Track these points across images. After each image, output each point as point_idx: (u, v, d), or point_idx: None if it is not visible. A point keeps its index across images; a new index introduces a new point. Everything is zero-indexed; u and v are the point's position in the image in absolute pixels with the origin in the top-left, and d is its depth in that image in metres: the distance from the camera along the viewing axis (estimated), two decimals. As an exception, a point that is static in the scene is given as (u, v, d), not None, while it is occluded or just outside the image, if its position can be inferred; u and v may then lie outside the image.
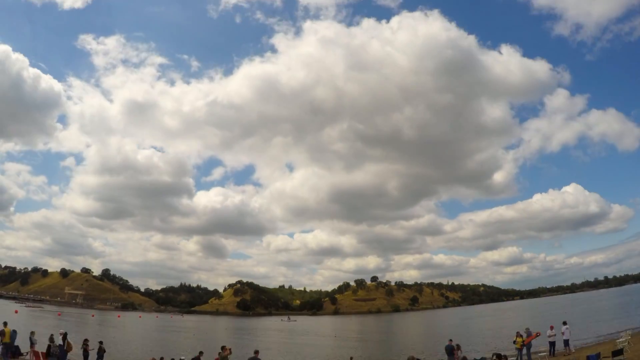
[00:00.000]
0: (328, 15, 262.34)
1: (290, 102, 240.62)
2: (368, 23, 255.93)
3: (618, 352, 15.95)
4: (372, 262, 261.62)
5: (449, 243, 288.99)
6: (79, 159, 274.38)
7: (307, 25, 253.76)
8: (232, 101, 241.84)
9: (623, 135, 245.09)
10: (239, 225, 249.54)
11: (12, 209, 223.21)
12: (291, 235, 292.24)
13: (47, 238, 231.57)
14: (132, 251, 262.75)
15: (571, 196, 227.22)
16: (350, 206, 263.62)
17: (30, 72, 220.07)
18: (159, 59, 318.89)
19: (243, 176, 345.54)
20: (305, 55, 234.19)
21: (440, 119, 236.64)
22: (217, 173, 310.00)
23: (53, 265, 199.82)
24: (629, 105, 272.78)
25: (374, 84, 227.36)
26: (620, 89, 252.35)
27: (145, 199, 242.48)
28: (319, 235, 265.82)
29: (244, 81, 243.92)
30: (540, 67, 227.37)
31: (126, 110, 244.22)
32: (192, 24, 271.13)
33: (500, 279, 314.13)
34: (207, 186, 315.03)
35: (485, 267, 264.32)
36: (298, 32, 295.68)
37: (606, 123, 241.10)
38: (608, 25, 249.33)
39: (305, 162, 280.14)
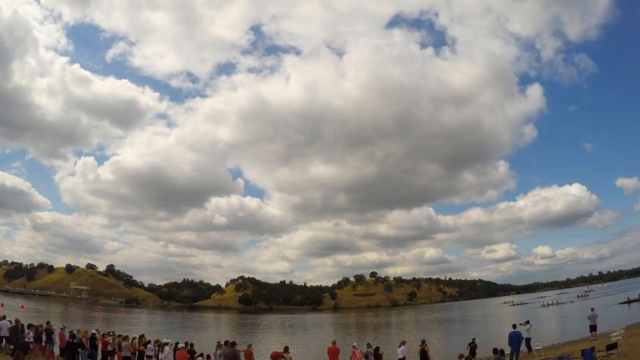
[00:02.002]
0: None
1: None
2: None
3: (612, 346, 15.88)
4: (371, 257, 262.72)
5: (448, 239, 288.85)
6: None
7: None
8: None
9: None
10: (242, 224, 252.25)
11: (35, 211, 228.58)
12: (291, 231, 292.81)
13: (60, 237, 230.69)
14: (141, 249, 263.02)
15: (566, 194, 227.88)
16: (350, 203, 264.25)
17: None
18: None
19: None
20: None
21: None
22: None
23: (64, 262, 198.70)
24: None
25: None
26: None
27: (160, 200, 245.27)
28: (320, 232, 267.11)
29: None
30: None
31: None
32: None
33: (496, 275, 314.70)
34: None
35: (482, 262, 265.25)
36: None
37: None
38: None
39: (306, 160, 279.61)
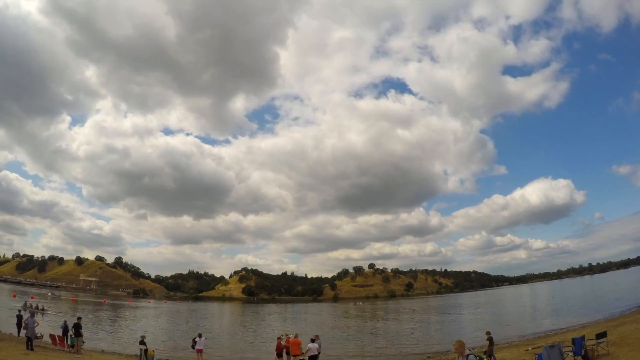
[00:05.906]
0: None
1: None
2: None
3: (601, 335, 15.76)
4: (370, 251, 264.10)
5: (444, 234, 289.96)
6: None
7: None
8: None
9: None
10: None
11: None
12: (293, 227, 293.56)
13: (77, 234, 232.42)
14: (152, 246, 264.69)
15: (557, 187, 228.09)
16: (350, 198, 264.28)
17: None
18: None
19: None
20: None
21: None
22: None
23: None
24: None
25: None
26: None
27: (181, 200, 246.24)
28: (319, 227, 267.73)
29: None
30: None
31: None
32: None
33: (490, 266, 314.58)
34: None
35: (476, 254, 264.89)
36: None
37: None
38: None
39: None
